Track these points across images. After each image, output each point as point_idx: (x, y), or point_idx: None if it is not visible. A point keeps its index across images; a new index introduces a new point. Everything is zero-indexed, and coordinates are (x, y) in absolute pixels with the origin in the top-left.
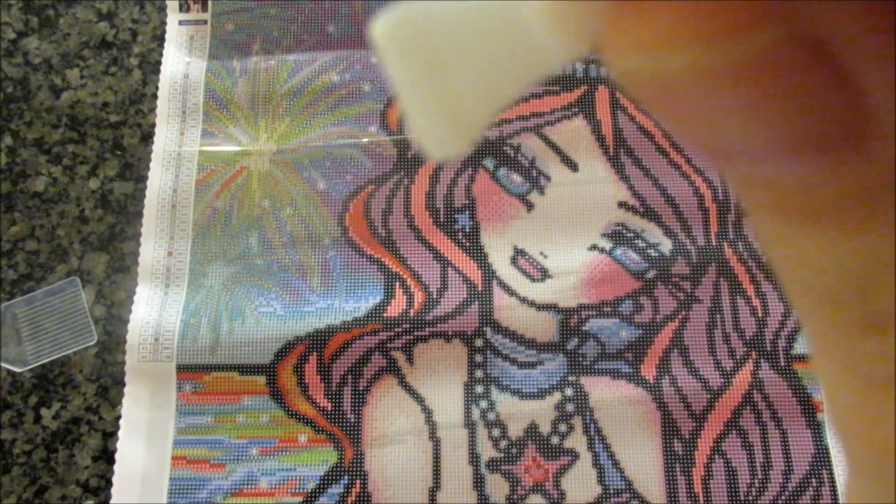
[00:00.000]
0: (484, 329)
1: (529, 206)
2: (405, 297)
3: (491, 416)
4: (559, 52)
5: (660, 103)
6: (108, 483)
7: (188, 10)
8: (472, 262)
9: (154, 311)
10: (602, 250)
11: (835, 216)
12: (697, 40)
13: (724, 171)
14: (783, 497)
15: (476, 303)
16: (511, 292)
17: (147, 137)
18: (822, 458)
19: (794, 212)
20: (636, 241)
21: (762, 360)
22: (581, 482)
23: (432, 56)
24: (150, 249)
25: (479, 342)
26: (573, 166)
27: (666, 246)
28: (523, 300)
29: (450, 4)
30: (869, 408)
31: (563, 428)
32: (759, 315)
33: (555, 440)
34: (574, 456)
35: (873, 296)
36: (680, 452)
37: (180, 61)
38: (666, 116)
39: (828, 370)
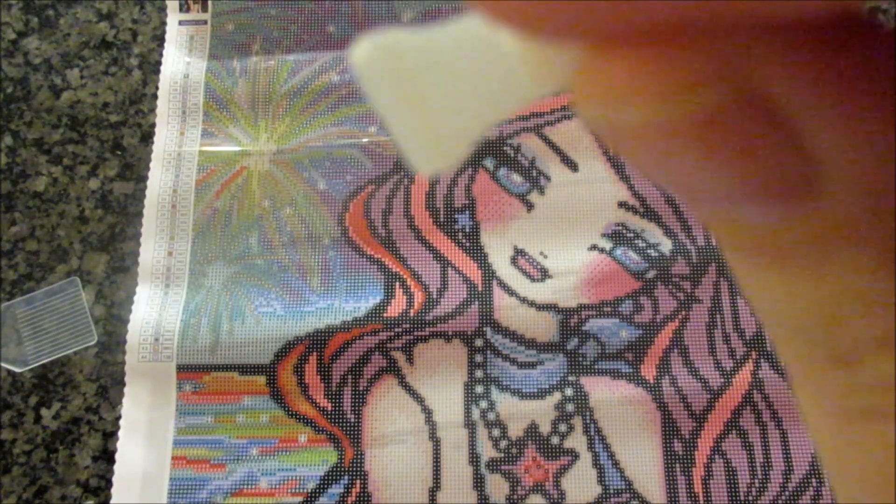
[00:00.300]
0: (484, 329)
1: (529, 206)
2: (405, 297)
3: (491, 416)
4: (534, 88)
5: (624, 148)
6: (108, 483)
7: (188, 10)
8: (472, 262)
9: (154, 311)
10: (602, 250)
11: (795, 258)
12: (654, 96)
13: (692, 211)
14: (783, 497)
15: (476, 303)
16: (511, 292)
17: (147, 137)
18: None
19: (758, 252)
20: (636, 241)
21: (762, 360)
22: (581, 482)
23: (410, 83)
24: (150, 249)
25: (479, 342)
26: (573, 166)
27: (666, 246)
28: (523, 300)
29: (427, 36)
30: (846, 437)
31: (563, 428)
32: None
33: (555, 440)
34: (574, 456)
35: (837, 332)
36: (680, 452)
37: (180, 61)
38: (630, 160)
39: (806, 400)
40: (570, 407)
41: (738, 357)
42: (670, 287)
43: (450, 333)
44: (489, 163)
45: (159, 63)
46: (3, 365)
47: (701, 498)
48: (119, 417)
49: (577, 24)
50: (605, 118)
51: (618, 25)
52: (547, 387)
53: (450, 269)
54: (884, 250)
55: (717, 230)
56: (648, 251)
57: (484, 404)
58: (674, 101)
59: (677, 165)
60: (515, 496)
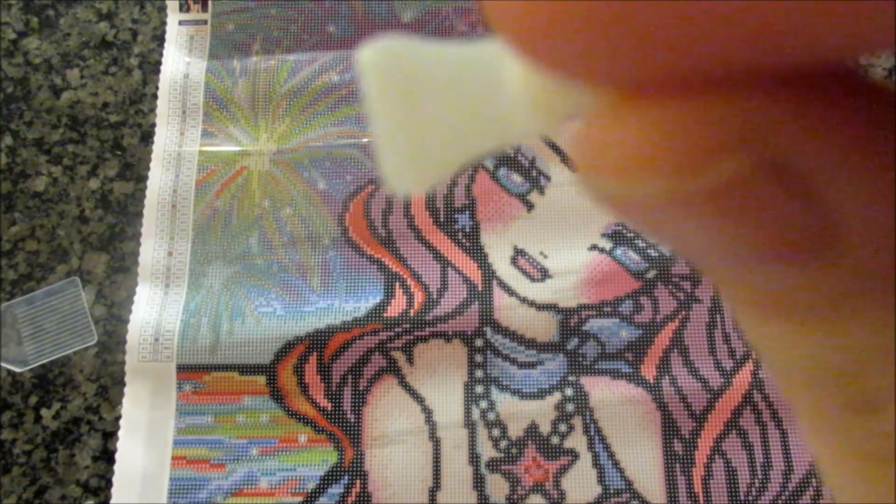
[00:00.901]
0: (484, 329)
1: (529, 206)
2: (405, 297)
3: (491, 416)
4: (530, 126)
5: (634, 220)
6: (108, 483)
7: (188, 10)
8: (472, 262)
9: (154, 311)
10: (602, 250)
11: (808, 315)
12: (668, 168)
13: (701, 272)
14: (783, 497)
15: (476, 303)
16: (511, 292)
17: (147, 137)
18: None
19: (769, 309)
20: (636, 241)
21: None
22: (581, 482)
23: (410, 92)
24: (150, 249)
25: (479, 342)
26: (573, 166)
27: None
28: (523, 300)
29: (437, 50)
30: (865, 481)
31: (563, 428)
32: None
33: (555, 440)
34: (574, 456)
35: (855, 383)
36: (680, 452)
37: (180, 61)
38: (641, 230)
39: (819, 444)
40: (570, 407)
41: (738, 357)
42: (670, 287)
43: (450, 333)
44: (489, 162)
45: (159, 63)
46: (3, 365)
47: (701, 498)
48: (119, 417)
49: (602, 66)
50: (614, 191)
51: (640, 72)
52: (547, 387)
53: (450, 269)
54: None
55: (726, 287)
56: (648, 251)
57: (484, 404)
58: (689, 173)
59: (691, 234)
60: (515, 496)
